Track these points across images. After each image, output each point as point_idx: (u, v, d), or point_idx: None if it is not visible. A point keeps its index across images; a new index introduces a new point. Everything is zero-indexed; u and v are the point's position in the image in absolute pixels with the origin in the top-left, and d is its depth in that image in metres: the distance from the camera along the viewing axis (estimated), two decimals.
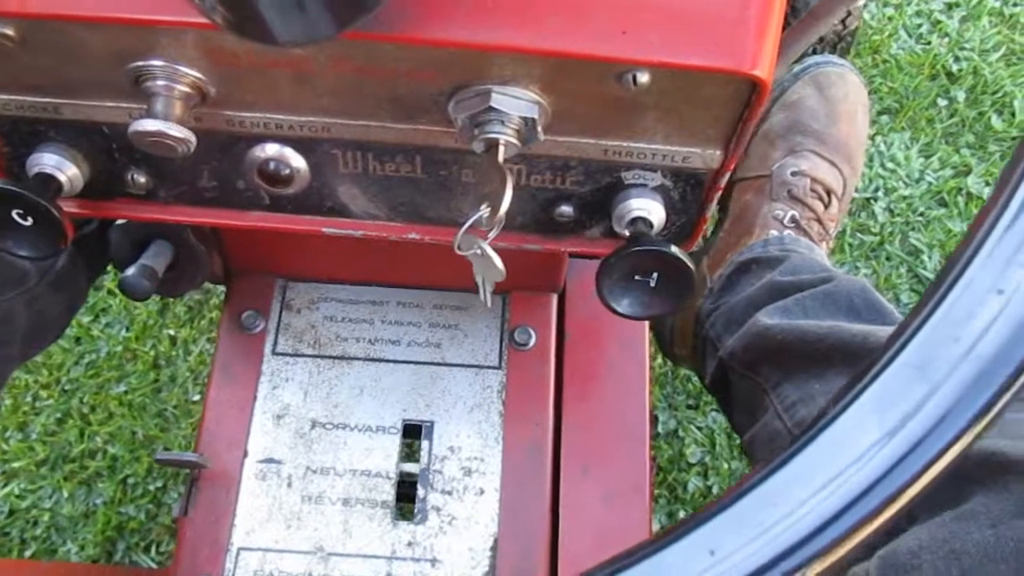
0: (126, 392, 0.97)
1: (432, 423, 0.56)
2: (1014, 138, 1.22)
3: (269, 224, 0.42)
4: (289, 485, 0.54)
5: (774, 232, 0.93)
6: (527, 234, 0.42)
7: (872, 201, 1.19)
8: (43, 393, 0.97)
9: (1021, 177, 0.19)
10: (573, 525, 0.54)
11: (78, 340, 1.00)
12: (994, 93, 1.25)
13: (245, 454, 0.55)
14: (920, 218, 1.17)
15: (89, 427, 0.95)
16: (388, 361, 0.58)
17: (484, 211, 0.35)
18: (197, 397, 0.96)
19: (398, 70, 0.33)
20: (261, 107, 0.37)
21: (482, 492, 0.54)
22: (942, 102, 1.25)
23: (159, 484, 0.93)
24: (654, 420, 1.01)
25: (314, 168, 0.40)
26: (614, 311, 0.39)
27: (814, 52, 1.06)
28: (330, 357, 0.58)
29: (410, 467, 0.55)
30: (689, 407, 1.04)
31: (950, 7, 1.33)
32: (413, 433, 0.56)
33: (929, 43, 1.30)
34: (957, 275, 0.19)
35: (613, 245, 0.40)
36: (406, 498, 0.55)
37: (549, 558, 0.53)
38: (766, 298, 0.79)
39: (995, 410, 0.19)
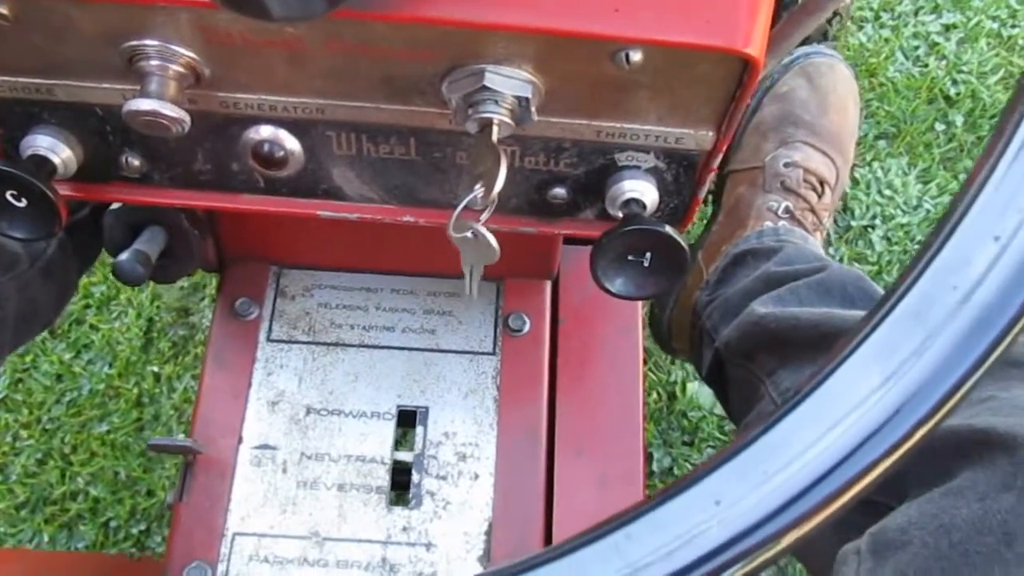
0: (109, 431, 0.94)
1: (427, 409, 0.56)
2: None
3: (264, 207, 0.42)
4: (284, 471, 0.54)
5: (768, 223, 0.94)
6: (521, 216, 0.42)
7: (870, 229, 1.17)
8: (23, 433, 0.94)
9: (1016, 126, 0.19)
10: (567, 509, 0.54)
11: (59, 377, 0.98)
12: (992, 117, 1.22)
13: (240, 440, 0.55)
14: (918, 246, 1.15)
15: (70, 468, 0.93)
16: (383, 347, 0.58)
17: (478, 191, 0.35)
18: (182, 436, 0.94)
19: (391, 50, 0.33)
20: (255, 88, 0.37)
21: (476, 477, 0.55)
22: (940, 126, 1.22)
23: (142, 527, 0.90)
24: (648, 456, 1.00)
25: (308, 150, 0.40)
26: (608, 291, 0.39)
27: (803, 42, 1.07)
28: (325, 344, 0.58)
29: (405, 453, 0.55)
30: (684, 443, 1.03)
31: (948, 29, 1.30)
32: (408, 419, 0.56)
33: (927, 66, 1.28)
34: (955, 223, 0.20)
35: (607, 227, 0.40)
36: (401, 483, 0.55)
37: (544, 542, 0.53)
38: (761, 288, 0.79)
39: (992, 357, 0.19)
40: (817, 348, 0.65)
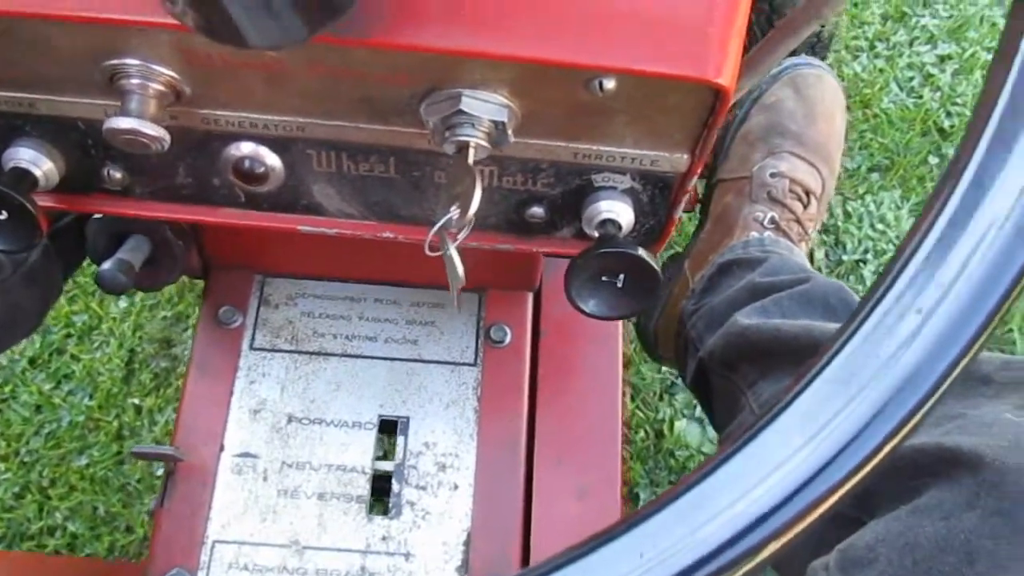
0: (88, 465, 0.92)
1: (408, 419, 0.57)
2: None
3: (244, 221, 0.43)
4: (265, 479, 0.55)
5: (754, 233, 0.95)
6: (500, 234, 0.43)
7: (861, 264, 1.16)
8: (1, 465, 0.93)
9: (941, 205, 0.20)
10: (546, 519, 0.55)
11: (38, 408, 0.96)
12: None
13: (222, 448, 0.55)
14: None
15: (48, 502, 0.91)
16: (365, 357, 0.58)
17: (454, 212, 0.35)
18: (161, 472, 0.92)
19: (370, 73, 0.34)
20: (235, 106, 0.37)
21: (456, 487, 0.55)
22: (933, 159, 1.21)
23: None
24: (634, 496, 0.99)
25: (289, 167, 0.40)
26: (582, 311, 0.39)
27: (792, 53, 1.07)
28: (307, 353, 0.58)
29: (385, 463, 0.56)
30: (672, 483, 1.02)
31: (942, 60, 1.30)
32: (389, 429, 0.57)
33: (921, 97, 1.26)
34: (880, 295, 0.20)
35: (584, 246, 0.40)
36: (381, 493, 0.55)
37: (522, 551, 0.54)
38: (746, 298, 0.80)
39: (913, 420, 0.20)
40: (797, 360, 0.66)
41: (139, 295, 1.03)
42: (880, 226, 1.18)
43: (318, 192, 0.42)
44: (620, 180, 0.40)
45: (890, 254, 1.13)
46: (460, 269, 0.38)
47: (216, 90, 0.36)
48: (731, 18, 0.32)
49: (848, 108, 1.23)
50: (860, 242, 1.17)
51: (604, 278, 0.38)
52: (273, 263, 0.60)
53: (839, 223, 1.17)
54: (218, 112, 0.37)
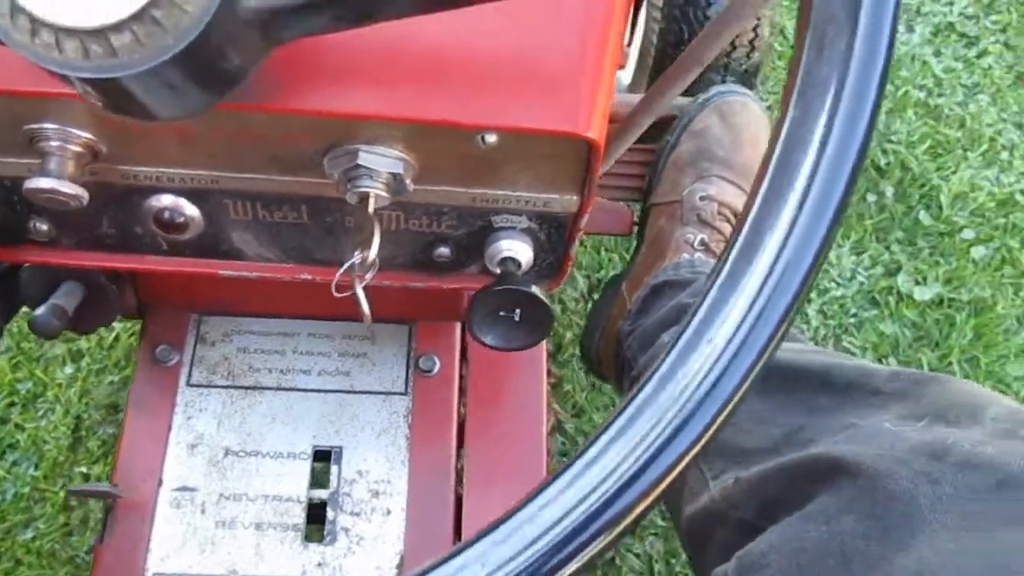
0: (34, 538, 0.90)
1: (341, 448, 0.59)
2: (942, 233, 1.22)
3: (168, 267, 0.45)
4: (203, 511, 0.57)
5: (685, 255, 0.98)
6: (410, 272, 0.46)
7: (805, 303, 1.18)
8: None
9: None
10: None
11: None
12: (921, 187, 1.25)
13: (160, 483, 0.57)
14: (853, 319, 1.17)
15: None
16: (299, 390, 0.61)
17: (357, 257, 0.38)
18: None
19: (272, 134, 0.37)
20: (152, 163, 0.40)
21: (389, 513, 0.57)
22: (871, 197, 1.25)
23: None
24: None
25: (207, 216, 0.43)
26: (483, 343, 0.42)
27: (721, 82, 1.12)
28: (243, 387, 0.61)
29: (320, 492, 0.58)
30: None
31: None
32: (324, 458, 0.59)
33: None
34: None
35: (489, 281, 0.43)
36: (316, 520, 0.57)
37: None
38: (675, 319, 0.84)
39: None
40: None
41: (86, 360, 1.02)
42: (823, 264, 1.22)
43: (237, 238, 0.44)
44: (518, 221, 0.43)
45: (833, 292, 1.17)
46: (366, 308, 0.41)
47: (132, 149, 0.39)
48: (597, 77, 0.35)
49: None
50: None
51: (502, 313, 0.41)
52: (208, 302, 0.62)
53: None
54: (136, 168, 0.40)
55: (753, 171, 1.14)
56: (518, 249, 0.43)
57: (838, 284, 1.19)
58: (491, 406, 0.61)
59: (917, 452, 0.43)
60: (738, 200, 1.03)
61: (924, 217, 1.23)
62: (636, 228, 1.07)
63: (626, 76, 1.29)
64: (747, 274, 0.22)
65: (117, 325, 1.04)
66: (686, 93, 0.98)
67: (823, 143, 0.22)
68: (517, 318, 0.41)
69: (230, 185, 0.41)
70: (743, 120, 1.06)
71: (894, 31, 0.22)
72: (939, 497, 0.40)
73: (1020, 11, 1.39)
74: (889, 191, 1.25)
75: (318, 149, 0.37)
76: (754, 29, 1.15)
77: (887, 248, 1.22)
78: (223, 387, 0.60)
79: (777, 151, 0.23)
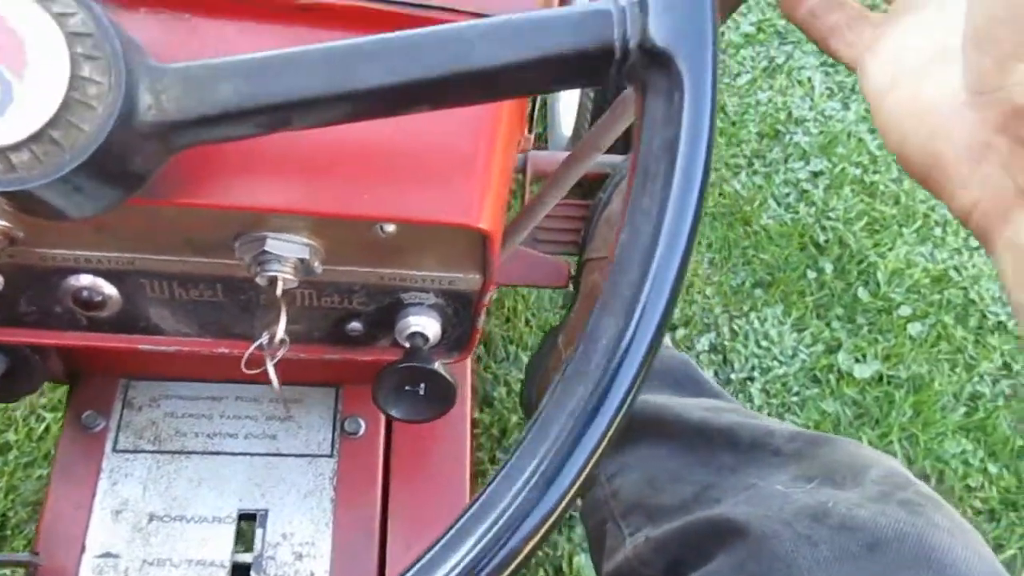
0: None
1: (267, 511, 0.60)
2: (880, 310, 1.24)
3: (88, 343, 0.46)
4: None
5: None
6: (325, 346, 0.48)
7: (749, 382, 1.19)
8: None
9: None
10: None
11: None
12: (859, 263, 1.28)
13: (83, 550, 0.58)
14: (795, 398, 1.18)
15: None
16: (226, 454, 0.62)
17: (265, 338, 0.40)
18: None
19: (182, 224, 0.39)
20: (69, 246, 0.41)
21: (312, 575, 0.58)
22: (811, 274, 1.27)
23: None
24: None
25: (125, 294, 0.44)
26: (390, 416, 0.44)
27: None
28: (169, 452, 0.61)
29: (244, 556, 0.59)
30: None
31: (815, 176, 1.36)
32: (249, 521, 0.60)
33: (797, 212, 1.32)
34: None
35: (401, 353, 0.45)
36: None
37: None
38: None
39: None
40: (639, 433, 0.72)
41: (13, 453, 1.00)
42: (765, 343, 1.21)
43: (154, 315, 0.46)
44: (425, 297, 0.45)
45: (775, 371, 1.17)
46: (276, 383, 0.42)
47: (48, 235, 0.40)
48: (488, 169, 0.38)
49: (731, 226, 1.28)
50: (747, 360, 1.20)
51: (407, 387, 0.43)
52: (136, 367, 0.63)
53: (725, 342, 1.21)
54: (53, 251, 0.41)
55: None
56: (426, 324, 0.45)
57: (780, 362, 1.20)
58: (415, 465, 0.63)
59: (801, 514, 0.46)
60: None
61: (863, 294, 1.25)
62: (573, 281, 1.10)
63: (567, 130, 1.33)
64: (584, 377, 0.25)
65: (48, 415, 1.03)
66: (619, 151, 1.02)
67: (647, 262, 0.25)
68: (422, 392, 0.44)
69: (146, 266, 0.43)
70: None
71: (708, 166, 0.26)
72: (817, 559, 0.43)
73: None
74: (828, 267, 1.27)
75: (228, 236, 0.39)
76: None
77: (828, 325, 1.23)
78: (149, 452, 0.61)
79: (612, 268, 0.26)
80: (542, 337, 1.17)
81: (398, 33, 0.27)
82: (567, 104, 1.33)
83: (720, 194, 1.32)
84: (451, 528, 0.27)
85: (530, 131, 0.63)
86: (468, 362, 0.67)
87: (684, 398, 0.77)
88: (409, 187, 0.37)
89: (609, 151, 0.60)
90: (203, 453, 0.62)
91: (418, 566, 0.27)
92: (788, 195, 1.35)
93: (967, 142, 0.27)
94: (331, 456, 0.62)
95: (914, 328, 1.23)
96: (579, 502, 0.86)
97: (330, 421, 0.64)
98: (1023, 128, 0.25)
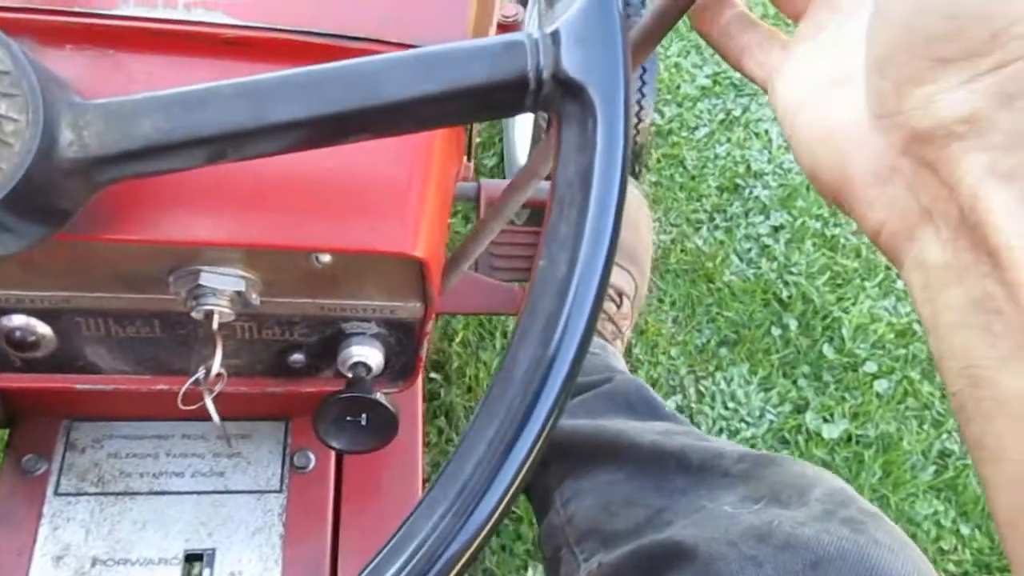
0: None
1: (214, 550, 0.59)
2: (846, 367, 1.22)
3: (22, 383, 0.46)
4: None
5: None
6: (267, 378, 0.47)
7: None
8: None
9: None
10: None
11: None
12: (824, 318, 1.26)
13: None
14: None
15: None
16: (172, 493, 0.60)
17: (201, 373, 0.40)
18: None
19: (113, 259, 0.38)
20: (0, 286, 0.41)
21: None
22: (776, 331, 1.24)
23: None
24: None
25: (60, 333, 0.44)
26: (331, 447, 0.44)
27: None
28: (113, 494, 0.60)
29: None
30: None
31: (776, 230, 1.35)
32: (196, 561, 0.59)
33: (760, 267, 1.30)
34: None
35: (344, 384, 0.45)
36: None
37: None
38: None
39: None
40: (590, 459, 0.72)
41: None
42: (732, 404, 1.19)
43: (91, 353, 0.45)
44: (367, 327, 0.45)
45: (743, 433, 1.16)
46: (217, 418, 0.42)
47: None
48: (422, 199, 0.38)
49: (693, 283, 1.27)
50: (715, 421, 1.19)
51: (348, 418, 0.43)
52: (78, 407, 0.62)
53: (692, 404, 1.20)
54: None
55: (633, 252, 1.20)
56: (368, 354, 0.45)
57: (748, 424, 1.18)
58: (366, 498, 0.62)
59: (747, 535, 0.46)
60: (619, 278, 1.07)
61: (828, 350, 1.23)
62: None
63: (522, 158, 1.35)
64: (503, 402, 0.25)
65: None
66: None
67: (564, 291, 0.25)
68: (364, 422, 0.43)
69: (81, 304, 0.42)
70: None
71: (623, 193, 0.26)
72: None
73: None
74: (793, 324, 1.25)
75: (161, 270, 0.39)
76: (637, 114, 1.22)
77: (794, 383, 1.21)
78: (92, 494, 0.60)
79: (529, 297, 0.26)
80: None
81: (312, 67, 0.28)
82: (522, 132, 1.34)
83: (682, 250, 1.30)
84: (368, 565, 0.27)
85: (469, 159, 0.63)
86: (418, 394, 0.66)
87: (638, 422, 0.78)
88: (343, 217, 0.37)
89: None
90: (148, 494, 0.60)
91: None
92: (750, 250, 1.33)
93: (873, 165, 0.27)
94: (280, 491, 0.61)
95: (880, 385, 1.21)
96: (537, 528, 0.86)
97: (279, 455, 0.63)
98: (924, 150, 0.25)
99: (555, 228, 0.26)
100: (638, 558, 0.52)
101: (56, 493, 0.60)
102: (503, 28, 0.61)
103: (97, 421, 0.62)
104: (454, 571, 0.25)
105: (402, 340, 0.46)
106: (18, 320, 0.42)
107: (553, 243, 0.26)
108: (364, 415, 0.43)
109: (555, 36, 0.27)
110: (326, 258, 0.38)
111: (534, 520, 1.02)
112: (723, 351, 1.23)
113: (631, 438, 0.69)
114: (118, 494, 0.60)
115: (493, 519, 0.25)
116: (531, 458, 0.25)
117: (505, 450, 0.24)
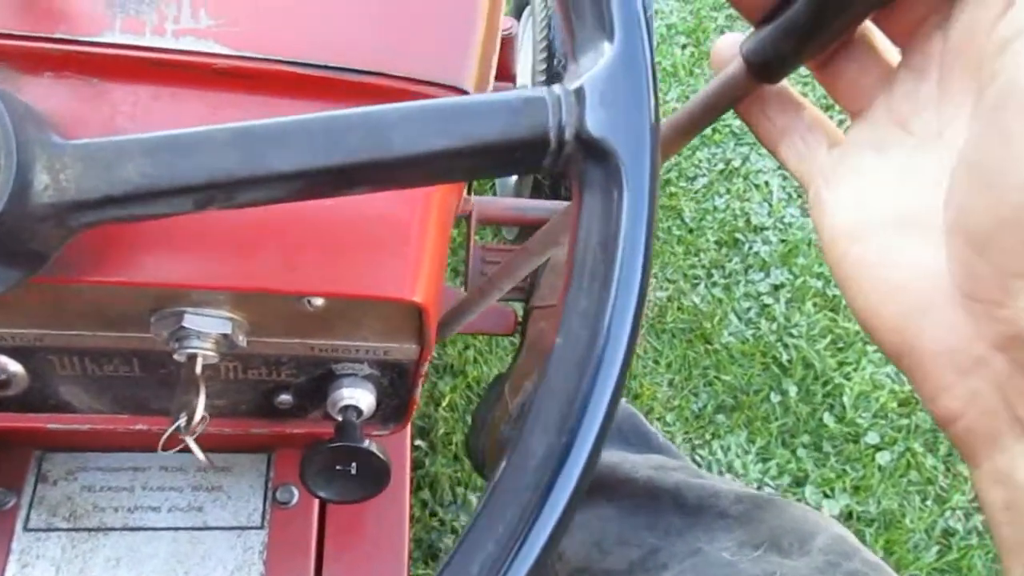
0: None
1: None
2: (847, 438, 1.16)
3: None
4: None
5: None
6: (253, 419, 0.45)
7: None
8: None
9: None
10: None
11: None
12: (824, 384, 1.21)
13: None
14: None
15: None
16: (147, 529, 0.58)
17: (182, 420, 0.38)
18: None
19: (94, 298, 0.36)
20: None
21: None
22: (775, 397, 1.19)
23: None
24: None
25: (32, 372, 0.41)
26: (319, 498, 0.42)
27: None
28: (86, 529, 0.57)
29: None
30: None
31: (776, 288, 1.29)
32: None
33: (759, 328, 1.25)
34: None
35: (333, 426, 0.43)
36: None
37: None
38: None
39: None
40: (586, 492, 0.70)
41: None
42: (729, 476, 1.14)
43: (65, 392, 0.43)
44: (359, 368, 0.43)
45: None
46: (201, 456, 0.40)
47: None
48: (422, 242, 0.36)
49: (690, 342, 1.21)
50: None
51: (338, 467, 0.41)
52: (52, 438, 0.59)
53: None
54: None
55: None
56: (360, 396, 0.43)
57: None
58: (351, 534, 0.60)
59: None
60: None
61: (828, 419, 1.18)
62: (519, 329, 1.08)
63: (513, 176, 1.33)
64: (513, 494, 0.23)
65: None
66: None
67: (583, 371, 0.23)
68: (353, 471, 0.41)
69: (56, 342, 0.40)
70: None
71: (647, 270, 0.24)
72: None
73: None
74: (793, 390, 1.20)
75: (143, 311, 0.37)
76: None
77: (793, 453, 1.16)
78: (64, 530, 0.57)
79: (546, 372, 0.24)
80: (487, 386, 1.15)
81: (315, 115, 0.26)
82: None
83: (679, 308, 1.25)
84: None
85: (469, 193, 0.61)
86: (407, 433, 0.64)
87: (631, 454, 0.76)
88: (337, 259, 0.35)
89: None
90: (122, 529, 0.58)
91: None
92: (749, 309, 1.27)
93: (954, 347, 0.22)
94: (261, 528, 0.59)
95: (883, 457, 1.16)
96: None
97: (261, 490, 0.60)
98: None
99: (575, 301, 0.24)
100: None
101: (25, 528, 0.57)
102: None
103: (70, 452, 0.60)
104: None
105: (395, 382, 0.44)
106: None
107: (572, 317, 0.24)
108: (353, 464, 0.41)
109: (579, 94, 0.25)
110: (319, 302, 0.36)
111: None
112: (720, 417, 1.18)
113: (626, 472, 0.67)
114: (91, 530, 0.57)
115: None
116: (542, 559, 0.23)
117: (517, 547, 0.22)
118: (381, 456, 0.40)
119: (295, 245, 0.35)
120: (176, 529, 0.58)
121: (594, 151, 0.25)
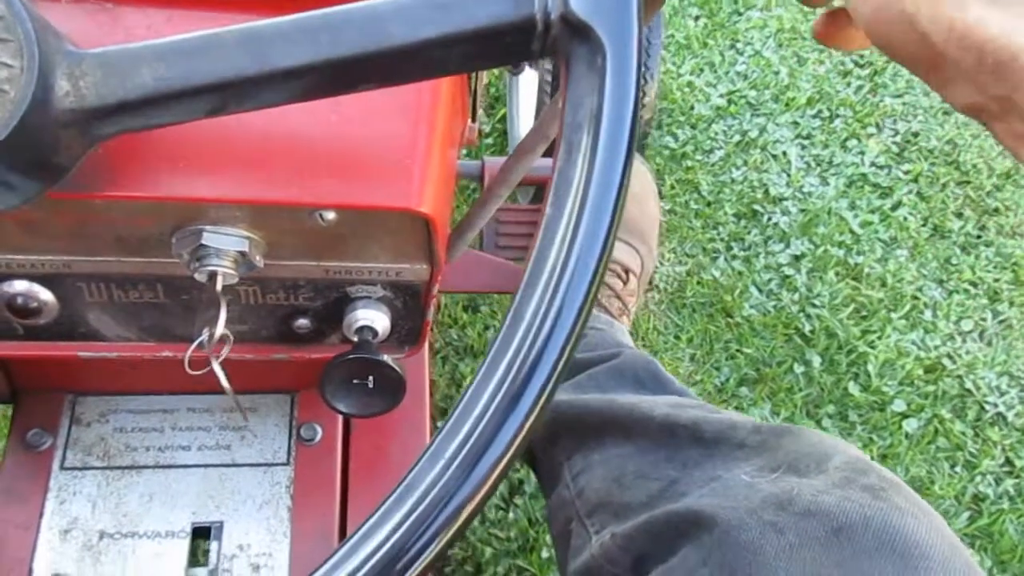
0: None
1: (221, 523, 0.58)
2: (872, 406, 1.15)
3: (24, 352, 0.45)
4: None
5: None
6: (273, 344, 0.47)
7: None
8: None
9: None
10: None
11: None
12: (848, 354, 1.19)
13: (30, 572, 0.56)
14: None
15: None
16: (178, 467, 0.60)
17: (205, 335, 0.39)
18: None
19: (115, 218, 0.38)
20: (1, 250, 0.40)
21: None
22: (799, 368, 1.17)
23: None
24: None
25: (62, 300, 0.43)
26: (337, 411, 0.43)
27: None
28: (120, 467, 0.60)
29: (199, 570, 0.57)
30: None
31: (797, 259, 1.27)
32: (204, 535, 0.58)
33: (780, 300, 1.23)
34: None
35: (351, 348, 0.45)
36: None
37: None
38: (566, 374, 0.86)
39: None
40: (600, 433, 0.72)
41: None
42: None
43: (94, 320, 0.44)
44: (373, 290, 0.44)
45: None
46: (225, 382, 0.41)
47: None
48: (427, 156, 0.37)
49: (711, 316, 1.20)
50: None
51: (355, 381, 0.43)
52: (83, 382, 0.61)
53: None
54: None
55: (638, 227, 1.19)
56: (374, 318, 0.44)
57: None
58: (374, 471, 0.62)
59: (767, 503, 0.45)
60: (625, 255, 1.07)
61: (854, 388, 1.16)
62: None
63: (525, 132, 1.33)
64: (507, 353, 0.25)
65: None
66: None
67: (572, 238, 0.25)
68: (371, 385, 0.43)
69: (83, 268, 0.41)
70: None
71: (633, 134, 0.25)
72: (783, 546, 0.42)
73: (930, 159, 1.36)
74: (816, 360, 1.18)
75: (163, 231, 0.39)
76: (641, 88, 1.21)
77: (819, 424, 1.14)
78: (99, 468, 0.59)
79: (537, 243, 0.25)
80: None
81: (315, 12, 0.27)
82: (525, 107, 1.33)
83: (699, 282, 1.24)
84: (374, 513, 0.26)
85: (473, 120, 0.62)
86: (425, 361, 0.66)
87: (636, 398, 0.77)
88: (348, 173, 0.37)
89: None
90: (154, 467, 0.60)
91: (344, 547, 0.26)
92: (770, 281, 1.25)
93: None
94: (287, 464, 0.61)
95: (910, 425, 1.14)
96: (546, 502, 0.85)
97: (286, 429, 0.62)
98: None
99: (563, 175, 0.25)
100: (653, 528, 0.52)
101: (62, 467, 0.59)
102: None
103: (102, 395, 0.62)
104: (460, 520, 0.25)
105: (408, 303, 0.45)
106: (20, 286, 0.42)
107: (560, 190, 0.25)
108: (371, 377, 0.42)
109: None
110: (330, 215, 0.37)
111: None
112: (743, 390, 1.16)
113: (642, 411, 0.68)
114: (124, 468, 0.60)
115: (499, 467, 0.25)
116: (536, 410, 0.24)
117: (512, 401, 0.24)
118: (396, 368, 0.42)
119: (307, 160, 0.36)
120: (206, 466, 0.60)
121: (579, 30, 0.26)
